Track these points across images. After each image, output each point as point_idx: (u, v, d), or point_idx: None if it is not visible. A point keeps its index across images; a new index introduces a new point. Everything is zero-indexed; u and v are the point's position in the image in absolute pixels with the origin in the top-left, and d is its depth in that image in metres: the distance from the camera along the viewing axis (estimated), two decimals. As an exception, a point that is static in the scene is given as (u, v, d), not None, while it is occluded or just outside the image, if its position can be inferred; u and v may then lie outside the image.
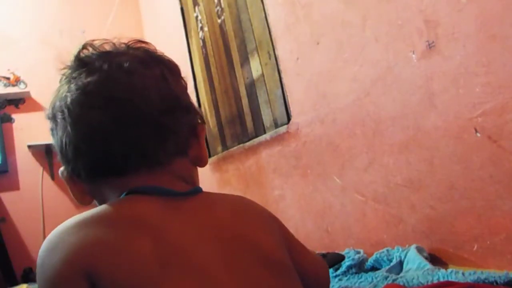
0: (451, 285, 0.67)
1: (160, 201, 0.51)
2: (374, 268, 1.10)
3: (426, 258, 0.97)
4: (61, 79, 0.55)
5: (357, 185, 1.27)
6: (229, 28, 1.93)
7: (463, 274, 0.82)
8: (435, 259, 1.01)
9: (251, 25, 1.75)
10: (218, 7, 2.01)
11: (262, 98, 1.73)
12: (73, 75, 0.54)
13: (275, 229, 0.57)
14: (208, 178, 2.21)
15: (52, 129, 0.56)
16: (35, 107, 2.88)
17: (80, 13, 3.16)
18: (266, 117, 1.71)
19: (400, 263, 1.02)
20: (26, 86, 2.91)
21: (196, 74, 2.35)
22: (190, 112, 0.58)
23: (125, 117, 0.51)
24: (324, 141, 1.39)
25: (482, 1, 0.86)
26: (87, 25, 3.07)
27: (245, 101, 1.87)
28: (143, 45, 0.59)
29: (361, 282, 1.00)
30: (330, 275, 0.94)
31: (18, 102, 2.92)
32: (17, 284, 2.26)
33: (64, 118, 0.52)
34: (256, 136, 1.78)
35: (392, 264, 1.02)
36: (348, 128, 1.28)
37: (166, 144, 0.54)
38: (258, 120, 1.78)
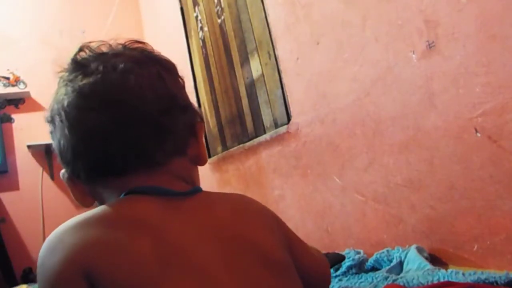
0: (451, 285, 0.67)
1: (160, 201, 0.51)
2: (374, 269, 1.10)
3: (426, 259, 0.97)
4: (58, 82, 0.56)
5: (357, 185, 1.27)
6: (229, 28, 1.93)
7: (463, 274, 0.82)
8: (435, 259, 1.01)
9: (251, 25, 1.75)
10: (218, 7, 2.01)
11: (262, 98, 1.73)
12: (70, 77, 0.54)
13: (276, 227, 0.57)
14: (208, 178, 2.21)
15: (51, 132, 0.56)
16: (35, 107, 2.88)
17: (80, 13, 3.16)
18: (266, 117, 1.71)
19: (400, 264, 1.02)
20: (26, 86, 2.91)
21: (196, 74, 2.35)
22: (188, 111, 0.58)
23: (122, 118, 0.51)
24: (324, 141, 1.39)
25: (482, 1, 0.86)
26: (87, 25, 3.08)
27: (245, 101, 1.87)
28: (140, 45, 0.59)
29: (361, 282, 1.00)
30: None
31: (18, 102, 2.92)
32: (17, 284, 2.26)
33: (62, 121, 0.53)
34: (256, 136, 1.78)
35: (392, 264, 1.02)
36: (348, 128, 1.28)
37: (164, 144, 0.54)
38: (258, 120, 1.78)
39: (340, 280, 1.07)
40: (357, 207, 1.28)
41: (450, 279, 0.80)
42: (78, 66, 0.55)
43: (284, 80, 1.56)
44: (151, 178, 0.53)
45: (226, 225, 0.52)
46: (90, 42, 0.57)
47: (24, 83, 2.91)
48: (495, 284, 0.75)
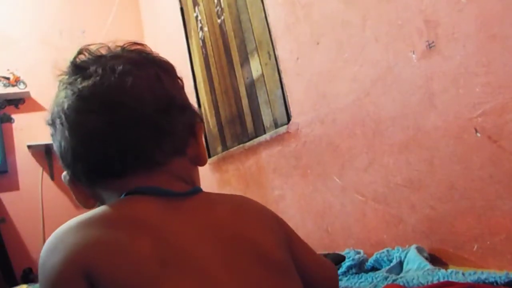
0: (451, 285, 0.67)
1: (160, 202, 0.51)
2: (374, 269, 1.10)
3: (426, 259, 0.97)
4: (58, 85, 0.57)
5: (357, 185, 1.27)
6: (229, 28, 1.93)
7: (463, 274, 0.82)
8: (435, 259, 1.01)
9: (251, 25, 1.75)
10: (218, 7, 2.01)
11: (262, 98, 1.73)
12: (70, 80, 0.55)
13: (276, 228, 0.57)
14: (208, 178, 2.21)
15: (52, 135, 0.57)
16: (35, 107, 2.88)
17: (80, 13, 3.16)
18: (266, 117, 1.71)
19: (400, 264, 1.02)
20: (26, 86, 2.91)
21: (196, 74, 2.35)
22: (187, 111, 0.58)
23: (120, 120, 0.52)
24: (324, 141, 1.39)
25: (482, 1, 0.86)
26: (87, 25, 3.08)
27: (245, 101, 1.87)
28: (139, 47, 0.59)
29: (361, 282, 1.00)
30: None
31: (18, 102, 2.92)
32: (17, 284, 2.25)
33: (62, 124, 0.54)
34: (256, 136, 1.78)
35: (392, 264, 1.02)
36: (348, 128, 1.28)
37: (163, 144, 0.54)
38: (258, 120, 1.78)
39: (340, 280, 1.07)
40: (357, 207, 1.28)
41: (450, 279, 0.80)
42: (77, 69, 0.55)
43: (284, 80, 1.56)
44: (151, 178, 0.53)
45: (226, 225, 0.53)
46: (89, 45, 0.58)
47: (24, 83, 2.91)
48: (495, 284, 0.75)
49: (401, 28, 1.06)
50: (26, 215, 2.75)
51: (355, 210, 1.29)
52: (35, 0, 3.11)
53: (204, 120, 2.25)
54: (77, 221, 0.48)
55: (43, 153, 2.84)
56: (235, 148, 1.96)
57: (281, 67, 1.56)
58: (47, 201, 2.80)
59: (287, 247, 0.56)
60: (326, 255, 1.12)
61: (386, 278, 0.95)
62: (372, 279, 0.98)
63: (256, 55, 1.73)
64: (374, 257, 1.11)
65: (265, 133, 1.72)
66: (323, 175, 1.42)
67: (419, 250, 1.00)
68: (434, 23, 0.97)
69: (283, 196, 1.65)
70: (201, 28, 2.22)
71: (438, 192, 1.01)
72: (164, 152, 0.54)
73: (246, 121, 1.87)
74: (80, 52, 0.57)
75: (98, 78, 0.53)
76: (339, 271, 1.11)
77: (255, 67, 1.75)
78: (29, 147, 2.82)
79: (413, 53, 1.03)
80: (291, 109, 1.54)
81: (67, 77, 0.56)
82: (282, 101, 1.58)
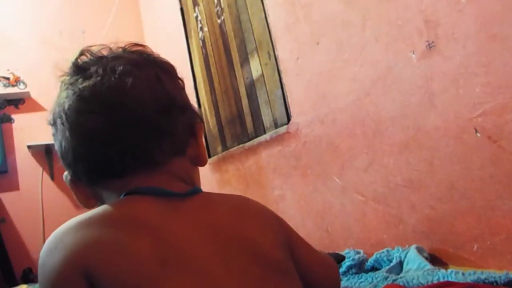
0: (451, 285, 0.67)
1: (160, 202, 0.51)
2: (374, 269, 1.10)
3: (426, 259, 0.97)
4: (60, 86, 0.57)
5: (357, 185, 1.27)
6: (229, 28, 1.93)
7: (463, 274, 0.82)
8: (435, 259, 1.01)
9: (251, 25, 1.75)
10: (218, 7, 2.01)
11: (262, 98, 1.73)
12: (71, 81, 0.55)
13: (276, 228, 0.57)
14: (208, 179, 2.21)
15: (53, 135, 0.57)
16: (35, 107, 2.88)
17: (80, 13, 3.16)
18: (266, 117, 1.71)
19: (400, 264, 1.02)
20: (25, 86, 2.91)
21: (196, 75, 2.35)
22: (187, 111, 0.58)
23: (120, 120, 0.52)
24: (324, 141, 1.39)
25: (482, 1, 0.86)
26: (87, 25, 3.07)
27: (245, 101, 1.87)
28: (139, 48, 0.60)
29: (361, 282, 1.00)
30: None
31: (18, 102, 2.92)
32: (17, 284, 2.25)
33: (63, 124, 0.54)
34: (256, 136, 1.78)
35: (392, 264, 1.02)
36: (348, 128, 1.28)
37: (163, 145, 0.54)
38: (258, 120, 1.78)
39: (340, 280, 1.07)
40: (357, 207, 1.28)
41: (450, 279, 0.80)
42: (79, 69, 0.56)
43: (284, 80, 1.56)
44: (151, 178, 0.53)
45: (226, 225, 0.53)
46: (91, 46, 0.58)
47: (24, 83, 2.91)
48: (495, 284, 0.75)
49: (401, 28, 1.06)
50: (26, 215, 2.75)
51: (355, 210, 1.29)
52: (35, 0, 3.11)
53: (204, 120, 2.25)
54: (76, 221, 0.48)
55: (43, 153, 2.84)
56: (235, 148, 1.96)
57: (281, 67, 1.56)
58: (47, 201, 2.80)
59: (287, 247, 0.56)
60: (326, 255, 1.12)
61: (386, 278, 0.95)
62: (372, 279, 0.98)
63: (256, 55, 1.73)
64: (374, 257, 1.11)
65: (265, 133, 1.72)
66: (323, 175, 1.42)
67: (419, 250, 1.00)
68: (434, 23, 0.97)
69: (283, 196, 1.65)
70: (201, 28, 2.22)
71: (438, 192, 1.01)
72: (164, 153, 0.54)
73: (246, 121, 1.87)
74: (81, 53, 0.57)
75: (98, 78, 0.53)
76: (339, 271, 1.11)
77: (255, 67, 1.75)
78: (29, 147, 2.82)
79: (413, 53, 1.03)
80: (291, 109, 1.54)
81: (68, 77, 0.56)
82: (282, 101, 1.58)
